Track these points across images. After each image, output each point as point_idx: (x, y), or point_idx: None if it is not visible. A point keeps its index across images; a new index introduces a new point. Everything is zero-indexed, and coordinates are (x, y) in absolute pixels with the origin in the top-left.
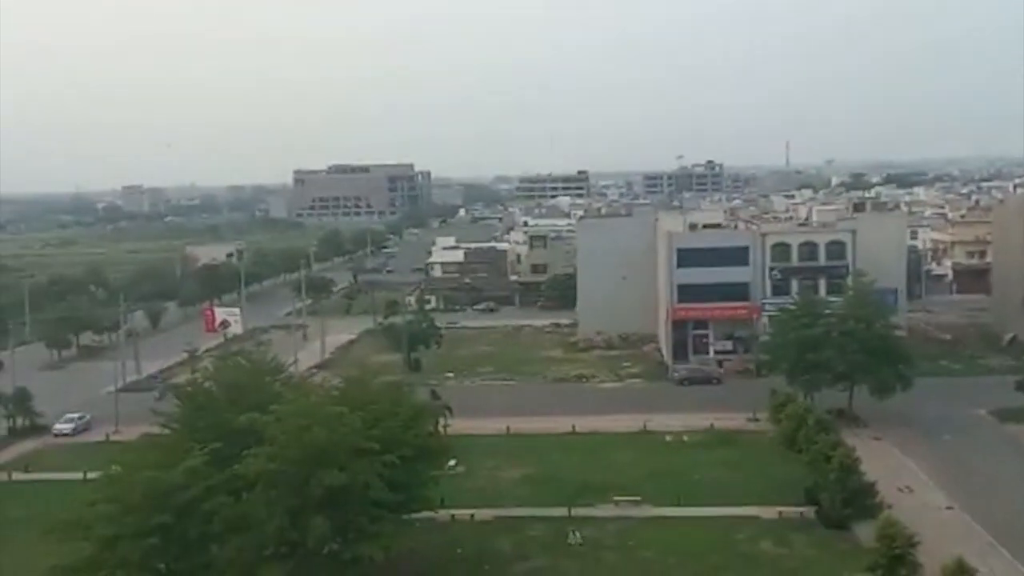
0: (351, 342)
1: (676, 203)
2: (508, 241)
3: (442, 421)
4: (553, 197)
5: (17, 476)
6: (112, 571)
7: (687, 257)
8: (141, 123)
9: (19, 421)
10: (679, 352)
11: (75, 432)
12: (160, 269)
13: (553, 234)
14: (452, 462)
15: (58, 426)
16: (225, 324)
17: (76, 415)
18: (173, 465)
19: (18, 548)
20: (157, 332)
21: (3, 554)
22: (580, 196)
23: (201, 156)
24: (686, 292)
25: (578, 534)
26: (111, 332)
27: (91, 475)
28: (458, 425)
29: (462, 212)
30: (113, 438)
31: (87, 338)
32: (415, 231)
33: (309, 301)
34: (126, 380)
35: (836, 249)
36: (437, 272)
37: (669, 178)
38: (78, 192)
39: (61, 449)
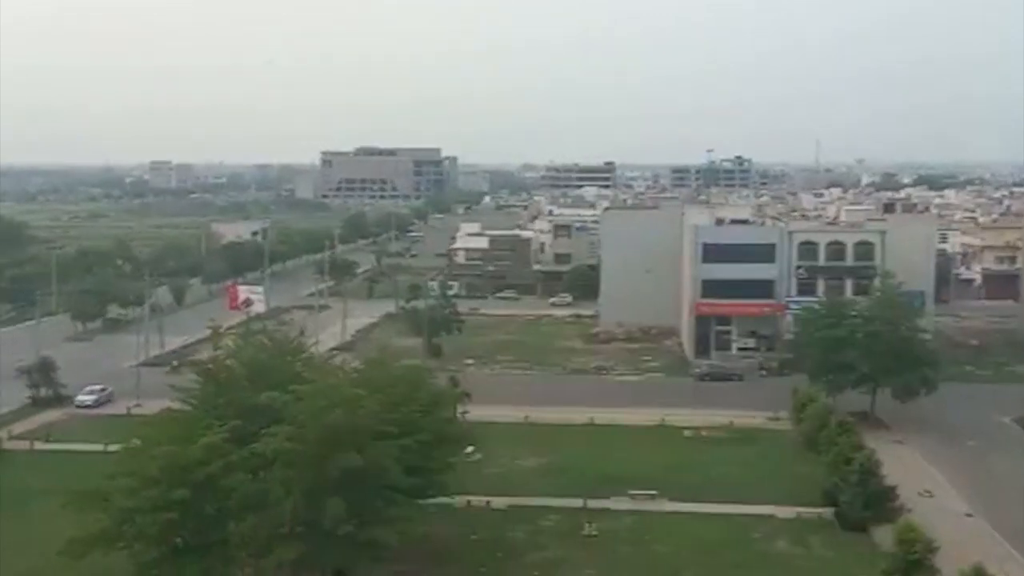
0: (373, 325)
1: (703, 197)
2: (532, 230)
3: (460, 407)
4: (579, 187)
5: (39, 446)
6: (130, 544)
7: (712, 252)
8: (172, 100)
9: (43, 391)
10: (701, 347)
11: (97, 404)
12: (185, 245)
13: (578, 224)
14: (469, 449)
15: (80, 397)
16: (248, 302)
17: (98, 387)
18: (192, 441)
19: (39, 518)
20: (181, 308)
21: (24, 523)
22: (606, 187)
23: (230, 134)
24: (710, 287)
25: (593, 526)
26: (136, 306)
27: (111, 447)
28: (476, 412)
29: (487, 199)
30: (134, 411)
31: (112, 311)
32: (440, 216)
33: (332, 282)
34: (149, 354)
35: (864, 250)
36: (460, 258)
37: (697, 172)
38: (108, 166)
39: (83, 420)
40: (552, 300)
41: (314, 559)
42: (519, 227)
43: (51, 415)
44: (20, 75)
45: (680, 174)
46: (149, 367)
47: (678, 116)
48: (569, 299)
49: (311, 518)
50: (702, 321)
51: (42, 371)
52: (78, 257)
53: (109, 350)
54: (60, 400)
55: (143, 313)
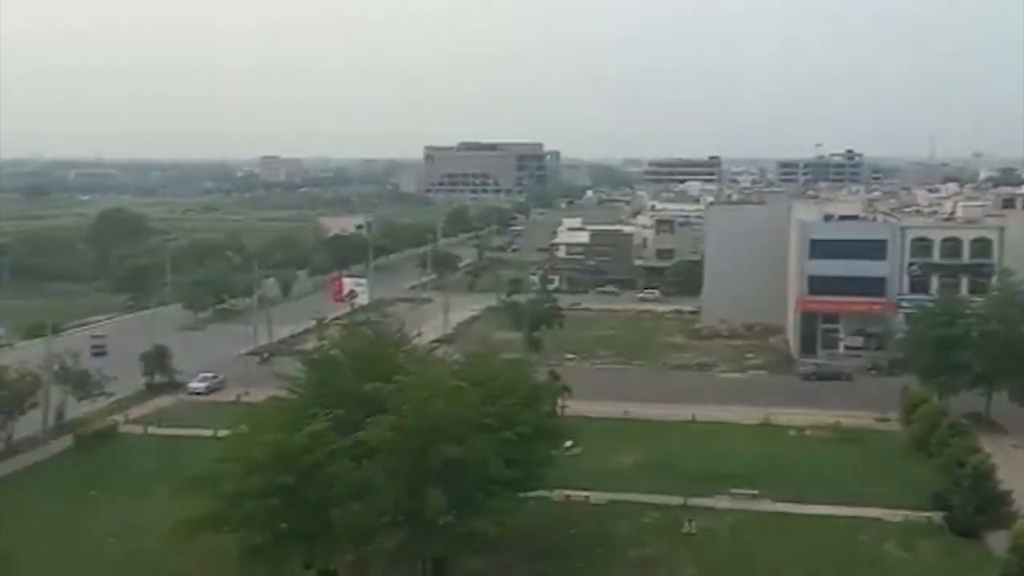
0: (474, 318)
1: (811, 192)
2: (634, 225)
3: (560, 402)
4: (683, 182)
5: (152, 430)
6: (236, 527)
7: (821, 248)
8: (283, 97)
9: (157, 377)
10: (807, 346)
11: (208, 391)
12: (293, 238)
13: (681, 219)
14: (569, 443)
15: (192, 384)
16: (352, 294)
17: (210, 375)
18: (298, 429)
19: (150, 499)
20: (288, 299)
21: (136, 505)
22: (711, 182)
23: (337, 130)
24: (818, 284)
25: (693, 523)
26: (245, 297)
27: (221, 433)
28: (576, 407)
29: (589, 193)
30: (243, 399)
31: (223, 301)
32: (541, 211)
33: (434, 276)
34: (257, 344)
35: (981, 247)
36: (562, 253)
37: (805, 166)
38: (220, 161)
39: (194, 406)
40: (640, 295)
41: (414, 548)
42: (621, 222)
43: (165, 401)
44: (144, 74)
45: (788, 168)
46: (258, 356)
47: (786, 109)
48: (657, 294)
49: (412, 508)
50: (808, 318)
51: (157, 358)
52: (191, 249)
53: (219, 339)
54: (173, 387)
55: (252, 304)
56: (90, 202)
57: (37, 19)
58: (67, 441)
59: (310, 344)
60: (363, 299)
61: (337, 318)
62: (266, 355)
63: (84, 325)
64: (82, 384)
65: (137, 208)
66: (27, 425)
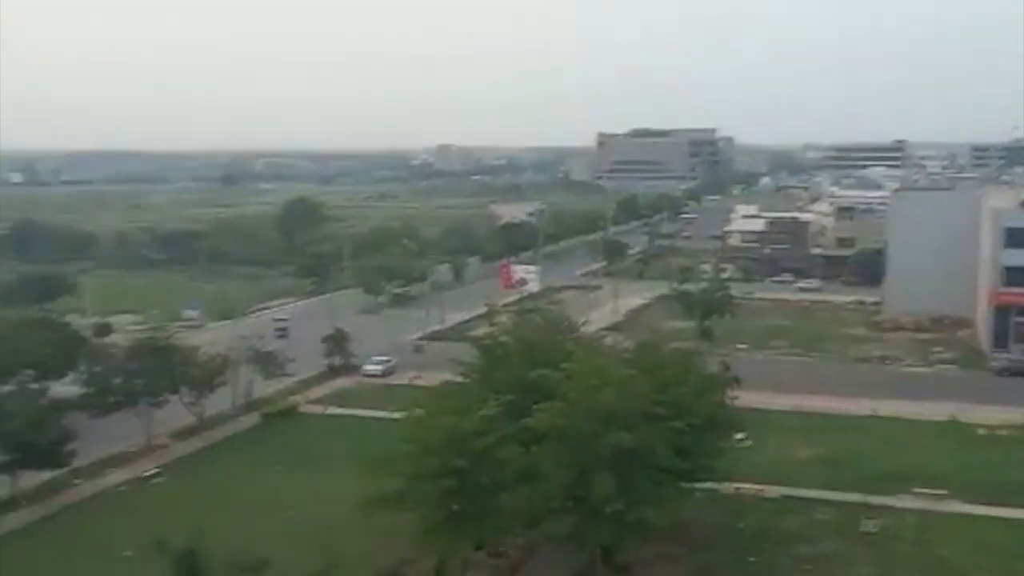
0: (643, 306)
1: (1007, 178)
2: (812, 212)
3: (731, 393)
4: (865, 167)
5: (331, 410)
6: (413, 506)
7: (1017, 237)
8: (456, 88)
9: (336, 359)
10: (999, 340)
11: (383, 374)
12: (465, 225)
13: (862, 206)
14: (740, 435)
15: (368, 367)
16: (522, 281)
17: (384, 358)
18: (470, 413)
19: (331, 476)
20: (460, 285)
21: (315, 482)
22: (895, 167)
23: (510, 119)
24: (1014, 275)
25: (872, 522)
26: (419, 282)
27: (395, 415)
28: (748, 398)
29: (765, 180)
30: (416, 382)
31: (398, 287)
32: (714, 198)
33: (604, 263)
34: (431, 328)
35: None
36: (735, 240)
37: (1000, 151)
38: (396, 150)
39: (370, 388)
40: (800, 285)
41: (582, 535)
42: (798, 209)
43: (343, 382)
44: (323, 69)
45: (980, 153)
46: (430, 341)
47: (979, 89)
48: (817, 285)
49: (580, 494)
50: (1002, 311)
51: (337, 341)
52: (369, 236)
53: (394, 323)
54: (350, 369)
55: (426, 289)
56: (274, 191)
57: (253, 23)
58: (253, 418)
59: (481, 330)
60: (533, 286)
61: (507, 304)
62: (419, 344)
63: (269, 308)
64: (267, 364)
65: (317, 196)
66: (217, 402)
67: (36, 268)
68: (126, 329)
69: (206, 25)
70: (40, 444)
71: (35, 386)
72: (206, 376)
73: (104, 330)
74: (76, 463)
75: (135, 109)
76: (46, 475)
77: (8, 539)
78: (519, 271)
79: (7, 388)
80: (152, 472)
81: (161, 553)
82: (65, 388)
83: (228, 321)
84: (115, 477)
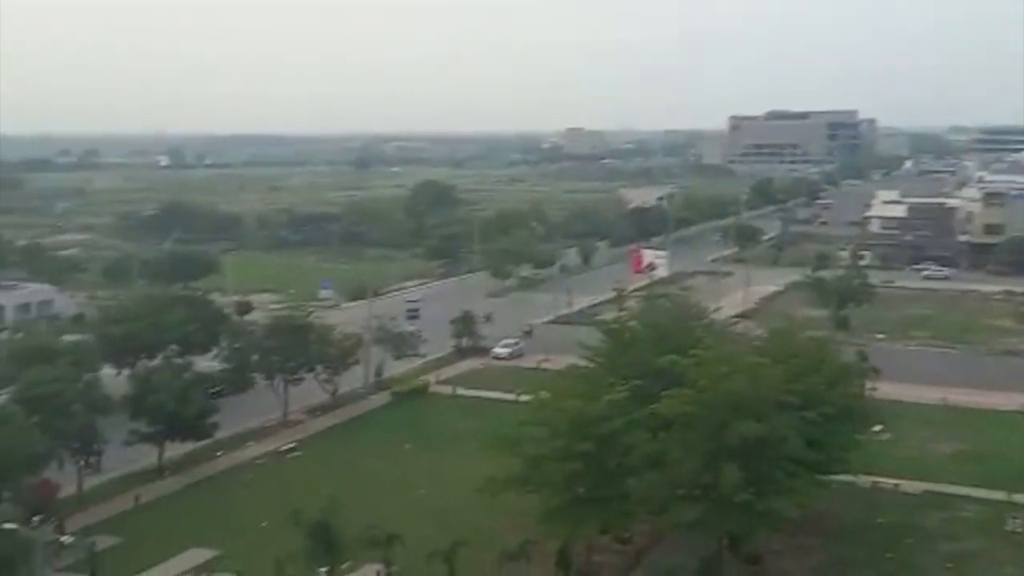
0: (777, 293)
1: None
2: (959, 198)
3: (868, 384)
4: (1017, 151)
5: (460, 391)
6: (537, 488)
7: None
8: (586, 72)
9: (465, 341)
10: None
11: (511, 356)
12: (595, 209)
13: (1015, 192)
14: (877, 427)
15: (496, 349)
16: (652, 266)
17: (512, 341)
18: (597, 397)
19: (459, 456)
20: (588, 269)
21: (443, 461)
22: None
23: (640, 102)
24: None
25: (1017, 521)
26: (547, 266)
27: (523, 397)
28: (886, 389)
29: (908, 164)
30: (543, 366)
31: (526, 270)
32: (854, 182)
33: (736, 249)
34: (558, 312)
35: None
36: (875, 227)
37: None
38: (526, 133)
39: (498, 370)
40: (925, 274)
41: (710, 523)
42: (943, 195)
43: (471, 364)
44: (452, 58)
45: None
46: (557, 325)
47: None
48: (946, 273)
49: (709, 482)
50: None
51: (465, 324)
52: (498, 219)
53: (522, 306)
54: (478, 351)
55: (553, 273)
56: (405, 174)
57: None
58: (384, 397)
59: (609, 314)
60: (662, 271)
61: (636, 290)
62: (527, 330)
63: (400, 289)
64: (399, 345)
65: (448, 179)
66: (350, 381)
67: (182, 248)
68: (266, 307)
69: (337, 21)
70: (185, 416)
71: (180, 361)
72: (340, 355)
73: (245, 308)
74: (217, 436)
75: (276, 97)
76: (189, 446)
77: (154, 505)
78: (649, 256)
79: (155, 362)
80: (289, 447)
81: (296, 525)
82: (208, 363)
83: (361, 301)
84: (254, 450)
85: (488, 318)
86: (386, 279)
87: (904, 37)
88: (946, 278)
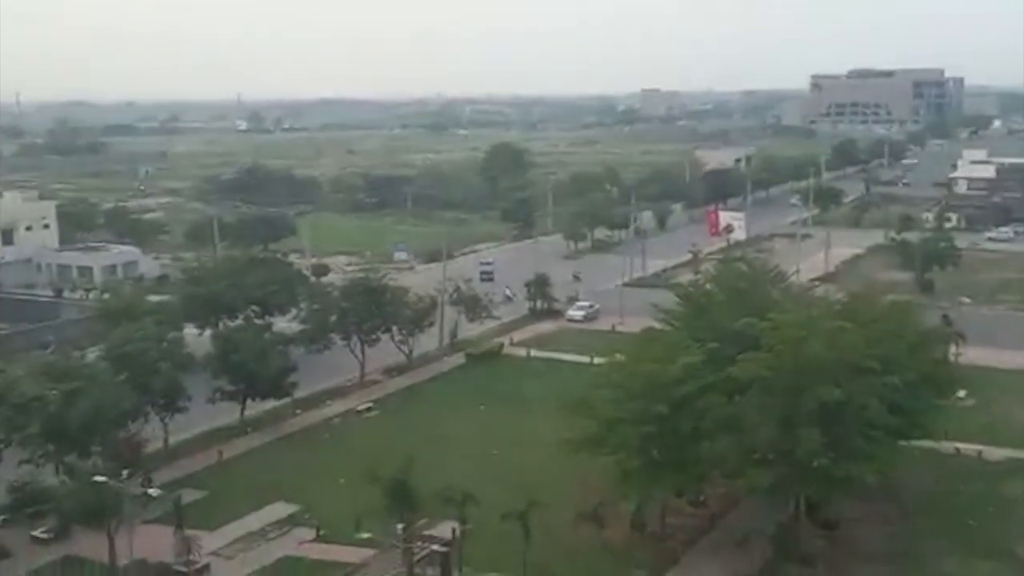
0: (857, 256)
1: None
2: None
3: (953, 348)
4: None
5: (534, 352)
6: (613, 450)
7: None
8: (662, 31)
9: (539, 304)
10: None
11: (585, 319)
12: (670, 171)
13: None
14: (961, 393)
15: (571, 312)
16: (729, 228)
17: (587, 303)
18: (672, 360)
19: (532, 417)
20: (663, 232)
21: (520, 421)
22: None
23: (719, 62)
24: None
25: None
26: (621, 229)
27: (597, 360)
28: (971, 354)
29: (996, 123)
30: (618, 328)
31: (600, 233)
32: (939, 142)
33: (816, 211)
34: (632, 275)
35: None
36: (961, 188)
37: None
38: (603, 94)
39: (572, 333)
40: (989, 235)
41: (786, 487)
42: None
43: (545, 326)
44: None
45: None
46: (632, 287)
47: None
48: (1010, 234)
49: (785, 447)
50: None
51: (539, 285)
52: (571, 182)
53: (596, 269)
54: (552, 313)
55: (628, 236)
56: (480, 136)
57: None
58: (459, 359)
59: (684, 277)
60: (740, 234)
61: (712, 252)
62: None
63: (474, 251)
64: (473, 306)
65: (521, 142)
66: (425, 342)
67: (260, 210)
68: (342, 269)
69: None
70: (265, 375)
71: (260, 321)
72: (416, 316)
73: (322, 270)
74: (297, 395)
75: (354, 59)
76: (270, 404)
77: (237, 460)
78: (726, 218)
79: (236, 323)
80: (366, 406)
81: (374, 482)
82: (287, 324)
83: (435, 264)
84: (332, 409)
85: (577, 277)
86: (460, 241)
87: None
88: (1010, 239)
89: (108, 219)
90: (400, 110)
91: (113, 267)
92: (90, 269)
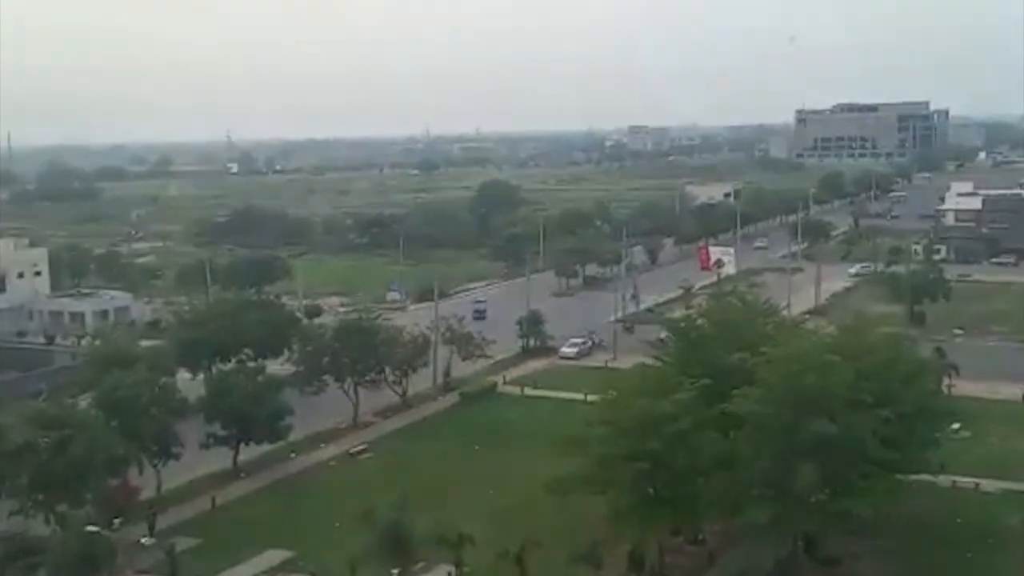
0: (848, 289)
1: None
2: None
3: (946, 381)
4: None
5: (528, 391)
6: (605, 488)
7: None
8: (649, 66)
9: (531, 341)
10: None
11: (578, 356)
12: (659, 206)
13: None
14: (956, 425)
15: (564, 349)
16: (719, 263)
17: (580, 340)
18: (665, 396)
19: (527, 457)
20: (654, 267)
21: (508, 461)
22: None
23: (704, 98)
24: None
25: None
26: (613, 265)
27: (590, 397)
28: (965, 387)
29: (982, 155)
30: (611, 365)
31: (591, 269)
32: (926, 175)
33: (805, 244)
34: (625, 312)
35: None
36: (949, 220)
37: None
38: (589, 131)
39: (564, 370)
40: (994, 260)
41: (784, 523)
42: (1021, 186)
43: (538, 363)
44: (519, 64)
45: None
46: (624, 323)
47: None
48: (1012, 260)
49: (782, 482)
50: None
51: (531, 323)
52: (562, 218)
53: (588, 305)
54: (545, 351)
55: (619, 271)
56: (470, 174)
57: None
58: (453, 398)
59: (676, 312)
60: (730, 268)
61: (704, 287)
62: (630, 325)
63: (466, 290)
64: (466, 345)
65: (511, 179)
66: (418, 382)
67: (253, 252)
68: (336, 310)
69: (397, 27)
70: (259, 419)
71: (253, 364)
72: (409, 356)
73: (315, 311)
74: (291, 438)
75: (340, 103)
76: (264, 448)
77: (231, 506)
78: (716, 253)
79: (228, 366)
80: (360, 448)
81: (369, 525)
82: (280, 367)
83: (428, 303)
84: (326, 452)
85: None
86: (452, 280)
87: (977, 25)
88: (1014, 267)
89: (100, 264)
90: (390, 149)
91: (105, 313)
92: (82, 315)
